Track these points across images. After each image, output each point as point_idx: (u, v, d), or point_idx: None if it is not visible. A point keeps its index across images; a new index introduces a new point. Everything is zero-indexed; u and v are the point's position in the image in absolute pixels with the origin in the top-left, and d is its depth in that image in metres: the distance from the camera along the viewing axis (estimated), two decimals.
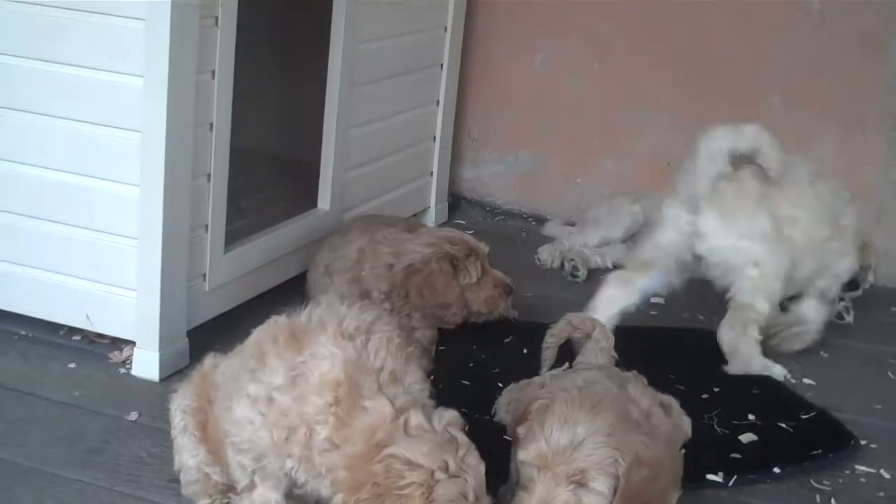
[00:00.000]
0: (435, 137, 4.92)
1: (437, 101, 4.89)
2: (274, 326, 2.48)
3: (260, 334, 2.51)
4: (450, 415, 2.36)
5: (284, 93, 4.76)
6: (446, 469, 2.22)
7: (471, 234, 4.84)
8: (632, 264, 3.87)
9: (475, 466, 2.28)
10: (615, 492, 2.40)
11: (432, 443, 2.25)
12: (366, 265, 3.68)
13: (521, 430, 2.52)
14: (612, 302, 3.76)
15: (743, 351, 3.68)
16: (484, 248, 3.78)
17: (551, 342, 3.28)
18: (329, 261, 3.78)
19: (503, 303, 3.76)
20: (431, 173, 4.95)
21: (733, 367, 3.69)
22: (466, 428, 2.39)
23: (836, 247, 3.87)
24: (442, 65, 4.86)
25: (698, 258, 3.71)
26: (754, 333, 3.67)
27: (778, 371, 3.69)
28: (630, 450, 2.41)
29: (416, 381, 2.42)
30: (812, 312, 3.90)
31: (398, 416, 2.28)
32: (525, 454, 2.47)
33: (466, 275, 3.66)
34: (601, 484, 2.40)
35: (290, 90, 4.71)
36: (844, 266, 3.93)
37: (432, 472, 2.21)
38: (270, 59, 4.70)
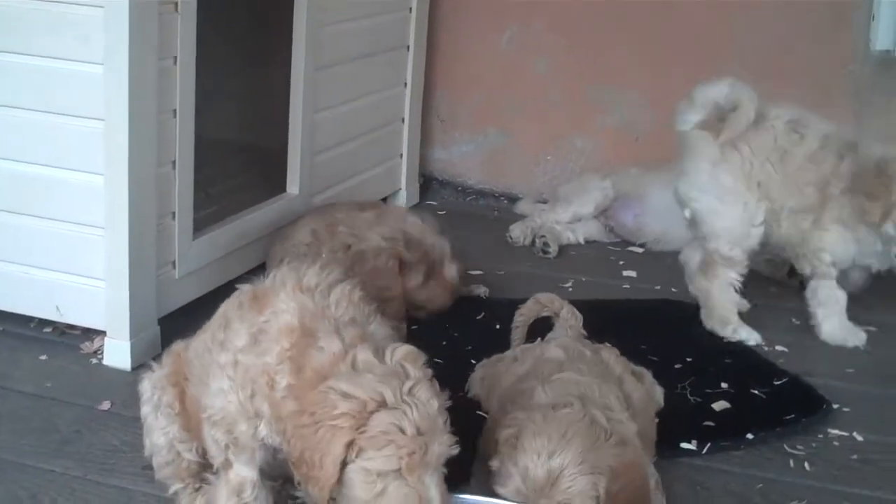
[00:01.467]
0: (403, 119, 4.92)
1: (405, 83, 4.88)
2: (238, 295, 2.47)
3: (226, 305, 2.49)
4: (404, 349, 2.27)
5: (250, 79, 4.74)
6: (383, 402, 2.14)
7: (442, 214, 4.94)
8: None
9: (424, 400, 2.18)
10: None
11: (376, 375, 2.18)
12: (324, 247, 3.65)
13: (493, 465, 2.46)
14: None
15: (716, 297, 3.75)
16: (444, 244, 3.73)
17: (520, 321, 3.30)
18: (283, 253, 3.73)
19: (446, 300, 3.72)
20: (401, 155, 4.94)
21: (708, 320, 3.77)
22: (424, 359, 2.28)
23: (812, 219, 3.74)
24: (408, 46, 4.85)
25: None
26: (727, 277, 3.74)
27: (749, 335, 3.73)
28: (605, 468, 2.39)
29: (380, 330, 2.38)
30: (820, 293, 3.81)
31: (347, 352, 2.23)
32: (505, 492, 2.43)
33: (413, 278, 3.63)
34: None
35: (256, 76, 4.68)
36: (826, 242, 3.73)
37: (365, 404, 2.14)
38: (234, 46, 4.67)
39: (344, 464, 2.16)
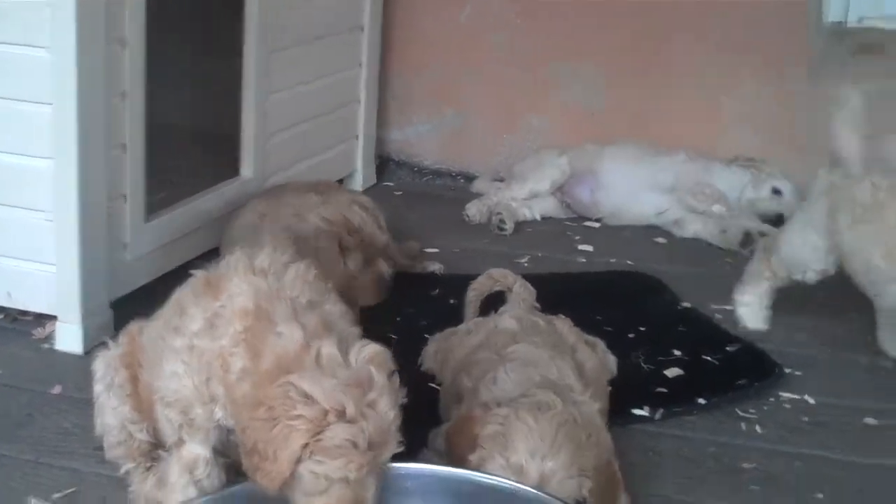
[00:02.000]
0: (359, 100, 4.90)
1: (360, 64, 4.87)
2: (192, 281, 2.46)
3: (180, 292, 2.49)
4: (371, 349, 2.23)
5: (202, 62, 4.72)
6: (343, 413, 2.12)
7: (399, 194, 4.95)
8: None
9: (383, 412, 2.17)
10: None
11: (340, 380, 2.15)
12: (265, 227, 3.61)
13: (473, 459, 2.43)
14: None
15: (745, 281, 3.68)
16: (383, 238, 3.72)
17: (473, 296, 3.32)
18: (231, 235, 3.70)
19: (375, 294, 3.67)
20: (357, 136, 4.93)
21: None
22: (391, 362, 2.24)
23: None
24: (363, 27, 4.83)
25: None
26: (763, 276, 3.64)
27: (747, 319, 3.67)
28: (589, 471, 2.40)
29: (336, 310, 2.36)
30: None
31: (310, 344, 2.20)
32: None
33: (352, 262, 3.61)
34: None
35: (208, 59, 4.66)
36: None
37: (326, 413, 2.11)
38: (185, 28, 4.64)
39: (297, 462, 2.16)
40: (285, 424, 2.13)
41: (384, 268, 3.71)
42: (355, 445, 2.13)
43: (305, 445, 2.13)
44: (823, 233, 3.43)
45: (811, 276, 3.52)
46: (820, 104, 4.45)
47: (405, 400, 2.25)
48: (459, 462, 2.45)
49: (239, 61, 4.06)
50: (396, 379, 2.25)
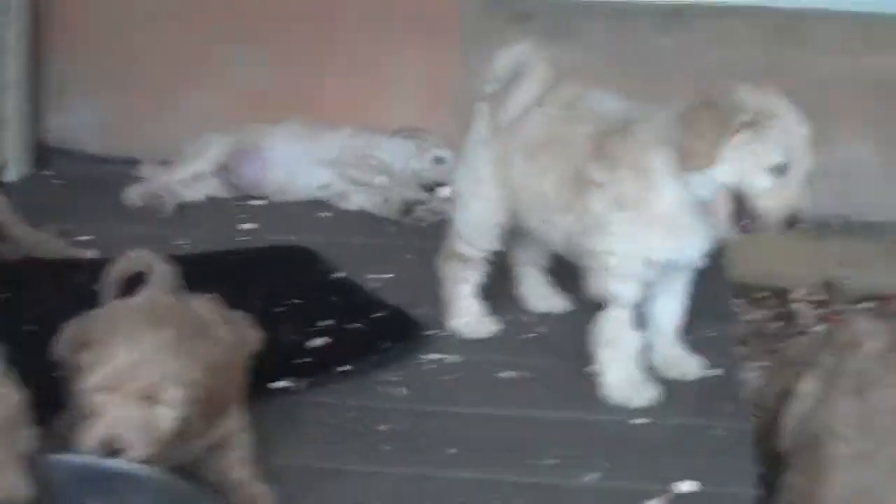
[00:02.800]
0: (8, 86, 4.67)
1: (7, 49, 4.64)
2: None
3: None
4: None
5: None
6: None
7: (59, 183, 4.77)
8: None
9: (5, 395, 2.20)
10: (190, 402, 2.39)
11: None
12: None
13: (86, 359, 2.42)
14: None
15: (448, 288, 3.46)
16: None
17: (110, 279, 3.23)
18: None
19: None
20: (7, 125, 4.70)
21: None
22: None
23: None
24: (8, 10, 4.61)
25: None
26: (458, 273, 3.42)
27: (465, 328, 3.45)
28: (200, 357, 2.40)
29: None
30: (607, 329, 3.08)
31: None
32: (92, 380, 2.38)
33: None
34: (173, 394, 2.36)
35: None
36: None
37: None
38: None
39: None
40: None
41: None
42: None
43: None
44: (492, 179, 3.25)
45: (495, 232, 3.33)
46: (472, 72, 4.65)
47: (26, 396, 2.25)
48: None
49: None
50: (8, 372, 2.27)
